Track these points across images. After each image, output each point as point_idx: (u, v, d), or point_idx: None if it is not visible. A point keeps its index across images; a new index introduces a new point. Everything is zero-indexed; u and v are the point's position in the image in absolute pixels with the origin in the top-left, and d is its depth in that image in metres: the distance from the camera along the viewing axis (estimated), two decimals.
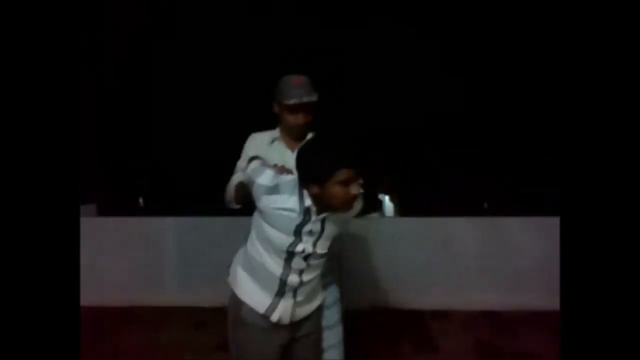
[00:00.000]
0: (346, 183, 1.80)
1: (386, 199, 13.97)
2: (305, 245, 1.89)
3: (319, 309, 2.19)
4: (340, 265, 2.55)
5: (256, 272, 1.98)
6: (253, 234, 2.01)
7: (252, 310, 1.99)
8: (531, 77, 10.19)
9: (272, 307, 1.96)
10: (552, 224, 3.07)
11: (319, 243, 1.91)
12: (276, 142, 2.42)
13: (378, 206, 13.57)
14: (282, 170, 1.98)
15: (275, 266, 1.92)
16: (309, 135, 2.37)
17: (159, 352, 3.88)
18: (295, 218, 1.84)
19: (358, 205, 2.04)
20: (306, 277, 1.97)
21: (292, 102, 2.27)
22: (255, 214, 1.99)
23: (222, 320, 4.65)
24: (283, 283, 1.94)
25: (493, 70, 11.18)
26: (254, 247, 1.98)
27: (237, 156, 2.48)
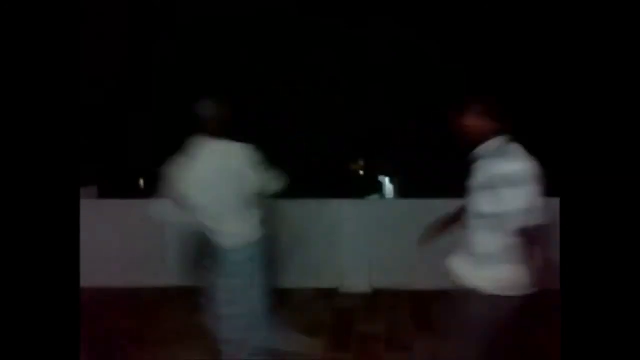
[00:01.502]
0: None
1: (387, 180, 14.04)
2: None
3: None
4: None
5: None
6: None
7: None
8: (529, 59, 10.26)
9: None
10: (553, 205, 3.09)
11: None
12: None
13: (379, 188, 13.63)
14: None
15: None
16: None
17: (158, 333, 3.91)
18: None
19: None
20: None
21: None
22: None
23: None
24: None
25: (491, 52, 11.24)
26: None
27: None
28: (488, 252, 2.27)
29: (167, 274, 5.02)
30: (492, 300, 2.26)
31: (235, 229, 2.68)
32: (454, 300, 2.41)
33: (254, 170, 2.67)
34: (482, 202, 2.22)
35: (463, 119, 2.30)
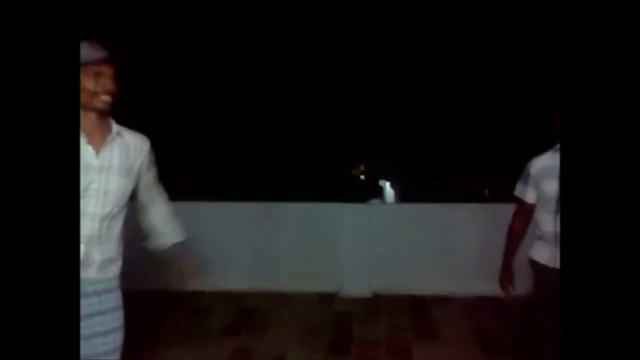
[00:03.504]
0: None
1: (387, 185, 14.05)
2: None
3: None
4: None
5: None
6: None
7: None
8: (529, 59, 10.29)
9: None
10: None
11: None
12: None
13: (379, 192, 13.63)
14: None
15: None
16: (115, 127, 2.00)
17: (162, 336, 3.91)
18: None
19: None
20: None
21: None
22: None
23: (223, 304, 4.69)
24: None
25: (492, 52, 11.25)
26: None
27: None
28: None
29: (169, 277, 5.00)
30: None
31: None
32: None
33: None
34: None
35: None
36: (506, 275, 2.92)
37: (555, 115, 2.51)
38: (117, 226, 1.98)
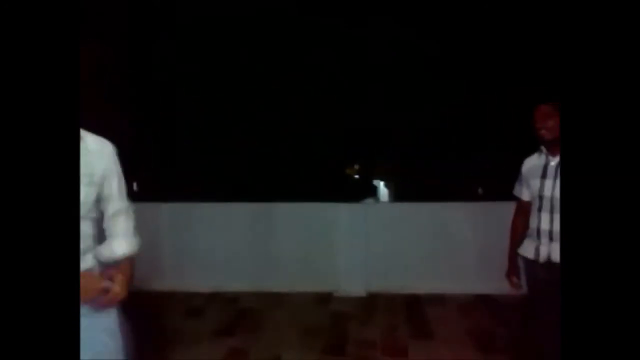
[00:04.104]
0: None
1: (381, 184, 14.05)
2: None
3: None
4: None
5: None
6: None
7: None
8: (529, 59, 10.29)
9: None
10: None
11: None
12: None
13: (373, 192, 13.62)
14: None
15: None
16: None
17: (159, 336, 3.91)
18: None
19: None
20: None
21: None
22: None
23: (216, 305, 4.71)
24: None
25: (492, 52, 11.26)
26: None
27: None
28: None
29: (162, 278, 5.01)
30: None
31: None
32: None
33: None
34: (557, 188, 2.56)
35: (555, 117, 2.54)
36: (512, 271, 3.00)
37: (535, 107, 2.67)
38: (86, 238, 1.83)
